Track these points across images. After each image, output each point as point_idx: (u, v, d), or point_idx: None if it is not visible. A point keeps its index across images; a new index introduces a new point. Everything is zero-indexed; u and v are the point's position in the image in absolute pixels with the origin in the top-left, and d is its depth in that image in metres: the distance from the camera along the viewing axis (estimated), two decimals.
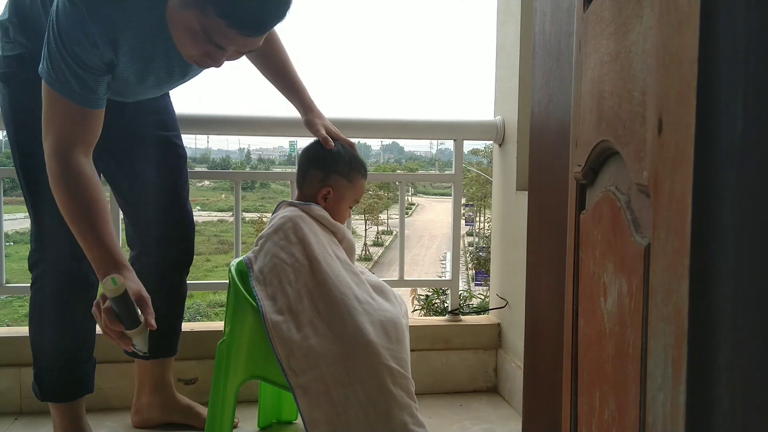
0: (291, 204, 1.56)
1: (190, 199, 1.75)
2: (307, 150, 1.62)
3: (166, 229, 1.67)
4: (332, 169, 1.58)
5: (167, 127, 1.65)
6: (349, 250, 1.59)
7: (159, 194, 1.64)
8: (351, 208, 1.65)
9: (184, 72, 1.45)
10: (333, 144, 1.58)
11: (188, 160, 1.77)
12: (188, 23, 1.18)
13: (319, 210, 1.54)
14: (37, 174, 1.42)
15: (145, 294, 1.24)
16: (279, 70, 1.68)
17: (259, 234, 1.55)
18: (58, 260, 1.50)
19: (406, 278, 2.20)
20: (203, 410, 1.75)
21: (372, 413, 1.34)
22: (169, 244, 1.68)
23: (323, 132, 1.60)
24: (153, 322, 1.21)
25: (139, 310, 1.20)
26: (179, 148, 1.69)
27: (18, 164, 1.49)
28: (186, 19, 1.18)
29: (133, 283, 1.24)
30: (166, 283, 1.68)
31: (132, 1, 1.23)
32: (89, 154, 1.31)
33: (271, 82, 1.69)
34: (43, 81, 1.26)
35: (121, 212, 1.75)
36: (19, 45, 1.42)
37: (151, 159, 1.63)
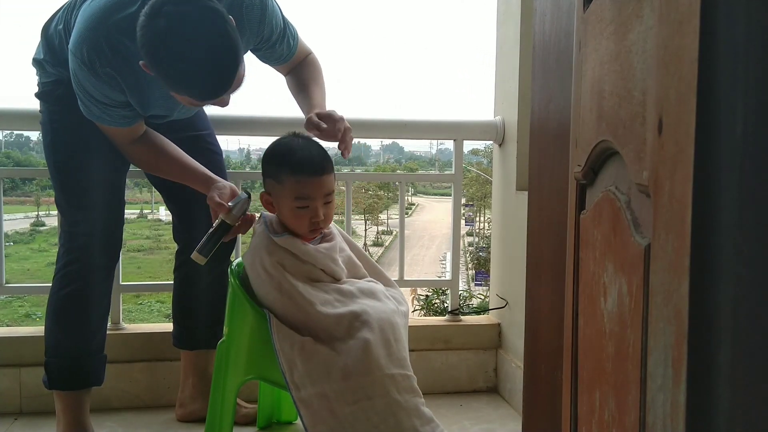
0: (264, 225, 1.49)
1: None
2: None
3: (209, 223, 1.71)
4: (264, 172, 1.49)
5: (196, 127, 1.73)
6: (328, 271, 1.47)
7: (196, 191, 1.68)
8: (302, 208, 1.43)
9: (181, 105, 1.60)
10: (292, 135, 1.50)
11: None
12: (177, 98, 1.42)
13: (288, 242, 1.44)
14: (71, 174, 1.61)
15: (215, 202, 1.51)
16: (299, 87, 1.71)
17: (244, 254, 1.51)
18: (82, 251, 1.61)
19: (406, 278, 2.20)
20: (247, 405, 1.81)
21: (383, 426, 1.34)
22: None
23: (314, 119, 1.52)
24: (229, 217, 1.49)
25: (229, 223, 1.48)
26: (211, 145, 1.78)
27: (53, 168, 1.62)
28: (174, 96, 1.42)
29: (210, 198, 1.52)
30: (210, 276, 1.76)
31: (126, 55, 1.41)
32: (144, 129, 1.59)
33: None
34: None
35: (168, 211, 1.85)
36: (54, 75, 1.61)
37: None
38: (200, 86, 1.36)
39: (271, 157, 1.49)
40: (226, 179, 1.78)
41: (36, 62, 1.64)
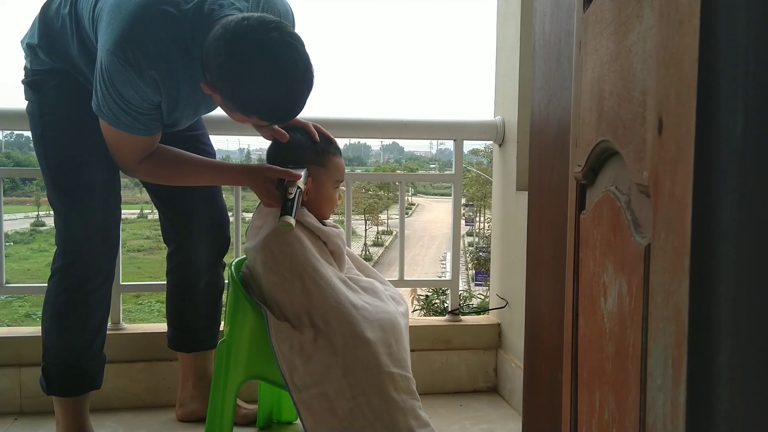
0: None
1: None
2: (269, 151, 1.55)
3: (202, 224, 1.72)
4: (301, 160, 1.50)
5: (192, 127, 1.69)
6: (336, 254, 1.52)
7: (192, 191, 1.66)
8: (336, 189, 1.56)
9: (207, 110, 1.61)
10: (287, 135, 1.52)
11: None
12: (238, 118, 1.40)
13: (305, 215, 1.47)
14: (63, 172, 1.53)
15: (277, 175, 1.45)
16: None
17: (245, 245, 1.51)
18: (77, 253, 1.56)
19: (406, 278, 2.20)
20: (246, 406, 1.80)
21: (378, 424, 1.34)
22: (204, 239, 1.73)
23: (274, 125, 1.53)
24: (298, 184, 1.43)
25: (294, 188, 1.42)
26: (206, 146, 1.75)
27: (44, 164, 1.55)
28: (236, 117, 1.40)
29: (273, 173, 1.46)
30: (204, 278, 1.74)
31: (169, 61, 1.36)
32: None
33: None
34: (102, 121, 1.42)
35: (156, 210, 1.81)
36: (48, 63, 1.52)
37: None
38: (282, 112, 1.36)
39: (307, 146, 1.52)
40: None
41: (28, 47, 1.53)
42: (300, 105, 1.35)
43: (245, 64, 1.27)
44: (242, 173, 1.53)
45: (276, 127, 1.52)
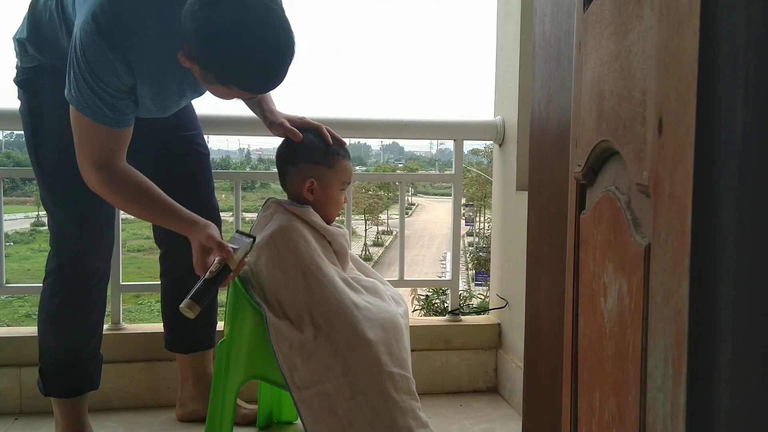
0: (281, 204, 1.51)
1: None
2: (279, 149, 1.56)
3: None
4: (310, 159, 1.53)
5: (186, 127, 1.67)
6: (340, 254, 1.53)
7: (184, 191, 1.62)
8: (343, 191, 1.57)
9: (194, 92, 1.54)
10: (301, 135, 1.52)
11: None
12: (217, 91, 1.35)
13: (310, 214, 1.48)
14: (55, 174, 1.52)
15: (211, 245, 1.35)
16: None
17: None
18: (71, 254, 1.55)
19: (406, 278, 2.20)
20: (246, 405, 1.80)
21: (378, 423, 1.35)
22: None
23: (287, 124, 1.54)
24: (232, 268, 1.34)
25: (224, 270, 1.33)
26: (200, 146, 1.73)
27: (35, 165, 1.54)
28: (217, 90, 1.35)
29: (210, 242, 1.35)
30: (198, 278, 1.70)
31: (145, 37, 1.31)
32: (124, 158, 1.42)
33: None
34: (72, 108, 1.35)
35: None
36: (37, 59, 1.50)
37: (174, 158, 1.67)
38: (262, 80, 1.30)
39: (318, 145, 1.53)
40: (212, 180, 1.74)
41: (18, 42, 1.51)
42: (281, 73, 1.30)
43: (221, 27, 1.22)
44: (186, 227, 1.40)
45: (289, 125, 1.53)
